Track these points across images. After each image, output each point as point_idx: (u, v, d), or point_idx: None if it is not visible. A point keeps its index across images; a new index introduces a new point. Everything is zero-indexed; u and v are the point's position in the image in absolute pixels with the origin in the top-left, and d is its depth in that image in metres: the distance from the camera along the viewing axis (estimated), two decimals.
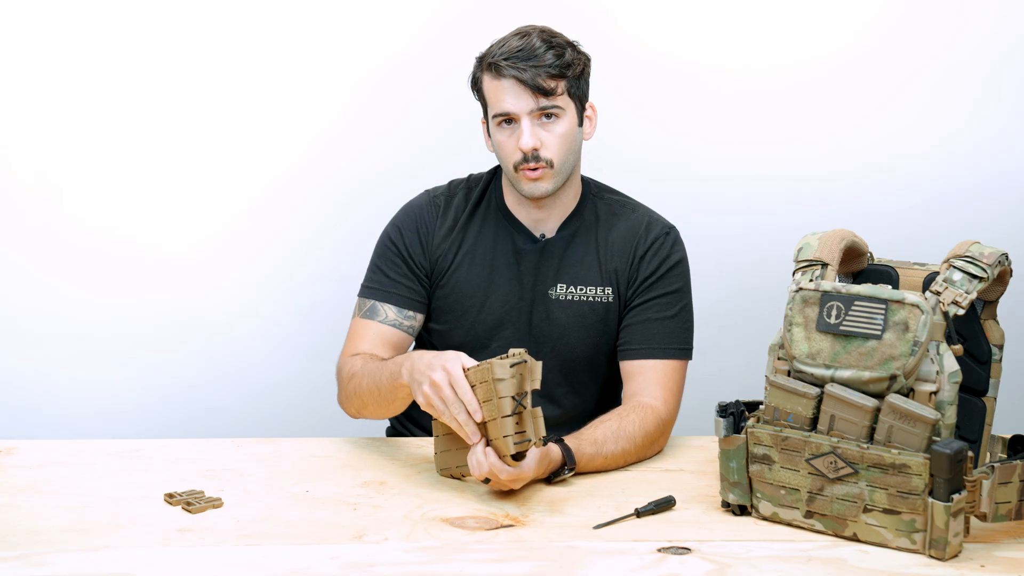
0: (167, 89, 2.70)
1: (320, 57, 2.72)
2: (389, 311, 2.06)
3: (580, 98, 2.01)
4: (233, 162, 2.75)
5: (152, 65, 2.69)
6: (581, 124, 2.03)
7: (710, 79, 2.75)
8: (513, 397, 1.66)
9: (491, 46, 2.00)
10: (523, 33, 1.98)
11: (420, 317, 2.09)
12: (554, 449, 1.81)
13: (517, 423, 1.67)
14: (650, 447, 1.94)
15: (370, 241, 2.14)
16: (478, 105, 2.09)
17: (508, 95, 1.95)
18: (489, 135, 2.04)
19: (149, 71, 2.69)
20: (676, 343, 2.04)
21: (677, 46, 2.73)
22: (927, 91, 2.75)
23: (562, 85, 1.96)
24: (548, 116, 1.97)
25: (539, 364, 1.69)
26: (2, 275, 2.72)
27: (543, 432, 1.69)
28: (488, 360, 1.69)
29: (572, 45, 2.00)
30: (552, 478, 1.81)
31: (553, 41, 1.97)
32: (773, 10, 2.74)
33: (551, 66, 1.94)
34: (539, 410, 1.69)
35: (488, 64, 1.97)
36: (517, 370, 1.67)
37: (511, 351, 1.70)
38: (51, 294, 2.73)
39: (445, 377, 1.72)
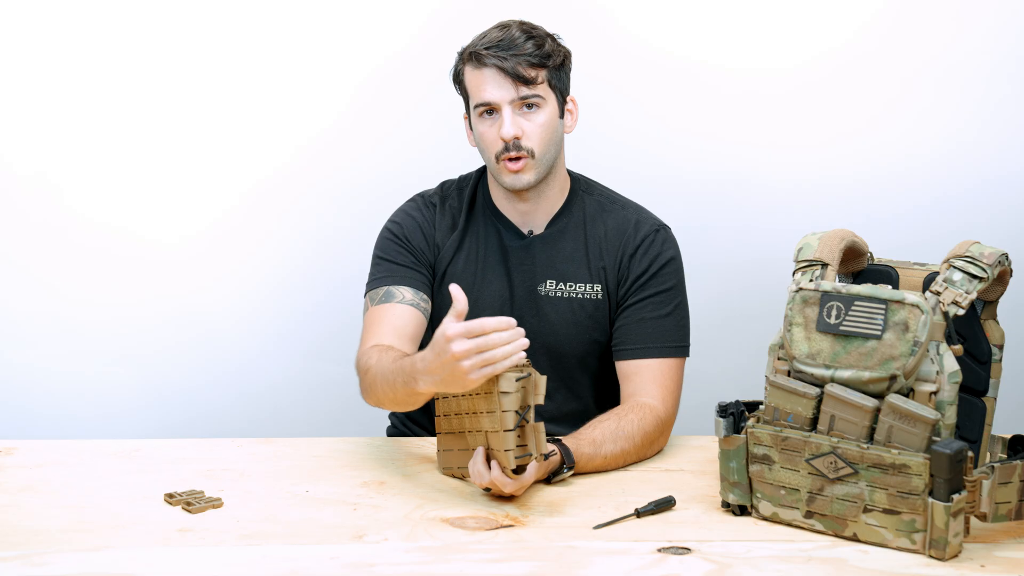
0: (167, 89, 2.70)
1: (320, 57, 2.72)
2: (406, 292, 2.03)
3: (561, 90, 2.02)
4: (233, 162, 2.74)
5: (152, 65, 2.68)
6: (562, 116, 2.03)
7: (711, 80, 2.75)
8: (516, 411, 1.66)
9: (472, 40, 2.01)
10: (503, 25, 2.00)
11: (431, 305, 2.07)
12: (554, 453, 1.80)
13: (519, 436, 1.67)
14: (649, 447, 1.94)
15: (371, 240, 2.14)
16: None
17: (489, 84, 1.96)
18: (471, 129, 2.04)
19: (149, 71, 2.69)
20: (672, 341, 2.03)
21: (678, 46, 2.73)
22: (928, 92, 2.74)
23: (542, 75, 1.97)
24: (529, 106, 1.97)
25: (543, 379, 1.69)
26: (2, 275, 2.72)
27: (544, 449, 1.68)
28: None
29: (552, 37, 2.01)
30: (551, 478, 1.81)
31: (533, 32, 1.99)
32: (773, 11, 2.74)
33: (531, 55, 1.96)
34: (541, 425, 1.68)
35: (469, 55, 1.99)
36: (521, 384, 1.66)
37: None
38: (51, 294, 2.73)
39: (461, 342, 1.61)
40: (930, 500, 1.52)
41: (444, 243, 2.08)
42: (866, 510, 1.57)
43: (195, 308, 2.78)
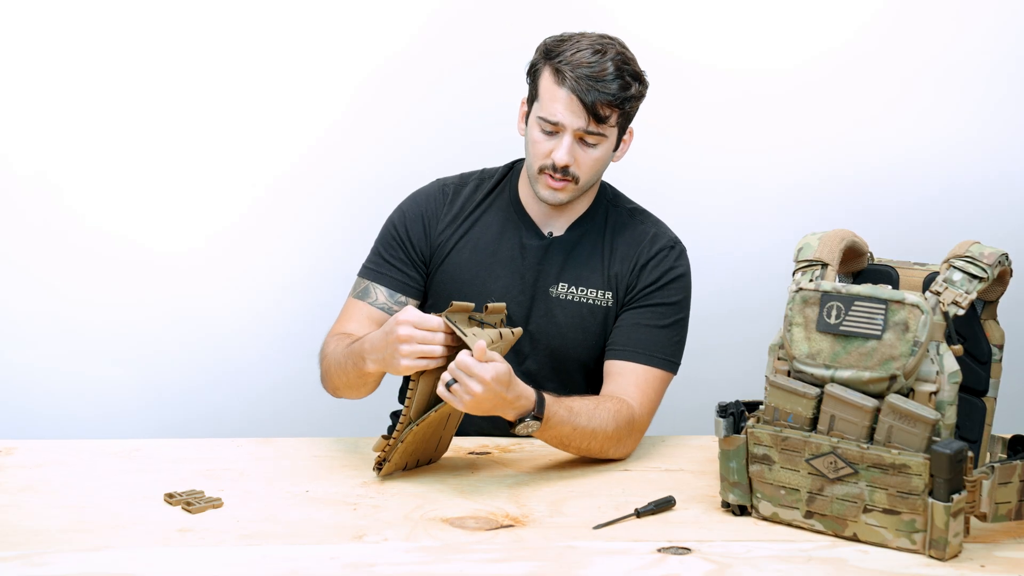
0: (168, 90, 2.70)
1: (321, 58, 2.72)
2: (380, 293, 2.07)
3: (625, 125, 2.01)
4: (234, 163, 2.75)
5: (154, 66, 2.69)
6: (616, 148, 2.02)
7: (711, 80, 2.75)
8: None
9: (563, 44, 1.95)
10: (600, 49, 1.93)
11: (412, 304, 2.09)
12: (530, 394, 1.79)
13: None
14: (617, 443, 1.91)
15: (370, 241, 2.14)
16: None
17: (562, 105, 1.93)
18: (526, 121, 2.02)
19: (151, 72, 2.69)
20: (662, 353, 2.01)
21: (678, 46, 2.73)
22: (928, 92, 2.75)
23: (615, 116, 1.95)
24: (590, 140, 1.96)
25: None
26: (2, 275, 2.72)
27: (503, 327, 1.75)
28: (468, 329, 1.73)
29: (640, 77, 1.97)
30: (516, 424, 1.79)
31: (624, 69, 1.93)
32: (773, 12, 2.74)
33: (614, 96, 1.92)
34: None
35: (555, 67, 1.94)
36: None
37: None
38: (51, 294, 2.73)
39: (408, 328, 1.71)
40: (930, 500, 1.52)
41: (448, 231, 2.09)
42: (866, 510, 1.57)
43: (195, 308, 2.78)
